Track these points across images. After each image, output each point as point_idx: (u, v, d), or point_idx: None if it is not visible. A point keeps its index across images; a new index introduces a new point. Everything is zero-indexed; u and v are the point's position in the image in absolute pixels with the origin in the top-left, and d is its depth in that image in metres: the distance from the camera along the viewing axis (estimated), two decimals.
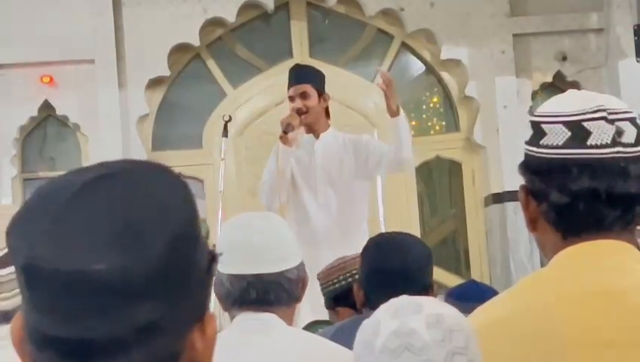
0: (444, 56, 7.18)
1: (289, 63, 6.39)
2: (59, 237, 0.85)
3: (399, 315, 1.36)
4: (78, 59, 6.83)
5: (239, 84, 7.26)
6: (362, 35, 7.38)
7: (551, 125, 1.44)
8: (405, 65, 7.47)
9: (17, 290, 1.76)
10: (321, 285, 3.10)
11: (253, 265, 2.02)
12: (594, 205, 1.41)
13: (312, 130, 4.82)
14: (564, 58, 7.16)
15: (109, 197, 0.87)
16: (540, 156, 1.44)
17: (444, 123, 7.47)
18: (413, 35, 7.26)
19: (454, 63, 7.19)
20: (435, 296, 2.40)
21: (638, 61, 6.76)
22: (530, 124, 1.48)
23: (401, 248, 2.52)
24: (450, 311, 1.39)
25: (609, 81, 7.02)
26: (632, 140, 1.42)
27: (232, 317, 2.06)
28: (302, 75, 4.86)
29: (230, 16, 7.07)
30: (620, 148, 1.40)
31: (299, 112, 4.72)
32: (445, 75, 7.32)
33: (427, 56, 7.34)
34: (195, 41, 7.05)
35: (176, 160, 6.70)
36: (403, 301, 1.40)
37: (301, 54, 7.26)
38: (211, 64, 7.26)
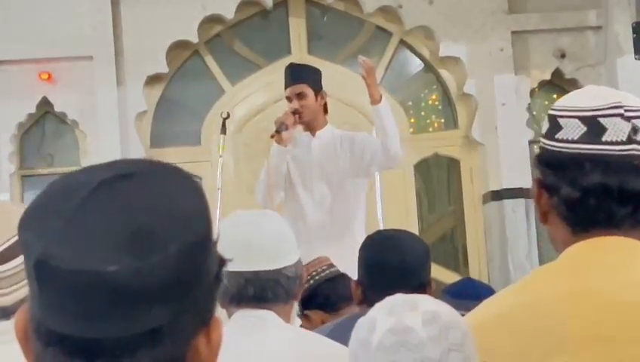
0: (442, 53, 7.17)
1: (287, 60, 6.37)
2: (74, 236, 0.85)
3: (395, 312, 1.37)
4: (77, 55, 6.82)
5: (238, 80, 7.26)
6: (361, 32, 7.38)
7: (567, 119, 1.43)
8: (404, 62, 7.47)
9: (16, 286, 1.77)
10: None
11: (251, 262, 2.01)
12: (605, 201, 1.40)
13: (310, 127, 4.82)
14: (563, 55, 7.15)
15: (126, 199, 0.87)
16: (554, 150, 1.43)
17: (442, 120, 7.47)
18: (411, 32, 7.26)
19: (453, 60, 7.19)
20: (432, 293, 2.40)
21: (636, 58, 6.76)
22: (546, 118, 1.48)
23: (399, 245, 2.52)
24: (445, 309, 1.39)
25: (608, 79, 7.00)
26: None
27: (229, 314, 2.06)
28: (298, 75, 4.83)
29: (229, 13, 7.07)
30: (636, 146, 1.40)
31: (295, 113, 4.71)
32: (444, 73, 7.32)
33: (426, 53, 7.34)
34: (194, 38, 7.05)
35: (174, 157, 6.69)
36: (399, 298, 1.40)
37: (299, 51, 7.26)
38: (210, 61, 7.26)
